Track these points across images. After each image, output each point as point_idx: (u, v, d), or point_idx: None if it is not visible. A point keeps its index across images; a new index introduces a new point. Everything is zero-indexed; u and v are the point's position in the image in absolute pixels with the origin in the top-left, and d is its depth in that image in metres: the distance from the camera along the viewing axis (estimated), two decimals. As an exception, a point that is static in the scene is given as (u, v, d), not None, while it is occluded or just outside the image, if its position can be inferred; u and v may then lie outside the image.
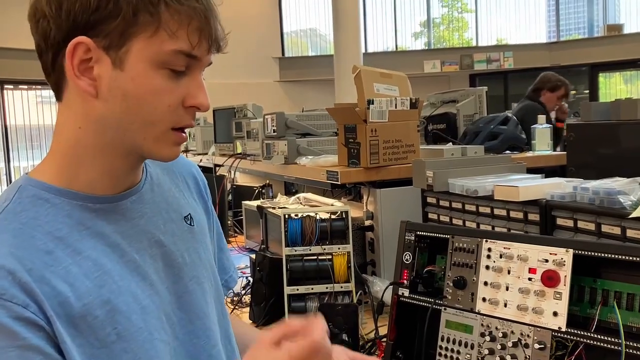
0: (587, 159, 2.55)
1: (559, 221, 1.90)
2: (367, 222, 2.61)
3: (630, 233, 1.68)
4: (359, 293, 2.52)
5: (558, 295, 1.46)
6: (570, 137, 2.55)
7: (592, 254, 1.43)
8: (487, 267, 1.61)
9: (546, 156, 3.11)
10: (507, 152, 3.10)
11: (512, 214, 2.05)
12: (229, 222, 3.95)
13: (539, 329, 1.48)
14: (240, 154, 3.73)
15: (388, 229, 2.65)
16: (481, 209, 2.17)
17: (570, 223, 1.87)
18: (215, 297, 1.17)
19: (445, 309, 1.69)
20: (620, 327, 1.34)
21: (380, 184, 2.58)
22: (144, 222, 1.05)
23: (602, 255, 1.41)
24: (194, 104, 0.99)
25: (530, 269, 1.53)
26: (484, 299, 1.60)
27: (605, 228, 1.76)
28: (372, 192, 2.59)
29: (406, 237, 1.83)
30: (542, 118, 3.17)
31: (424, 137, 3.54)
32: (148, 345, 0.98)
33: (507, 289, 1.56)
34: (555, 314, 1.46)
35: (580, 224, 1.81)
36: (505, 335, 1.54)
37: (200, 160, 4.56)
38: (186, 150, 4.98)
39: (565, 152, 2.86)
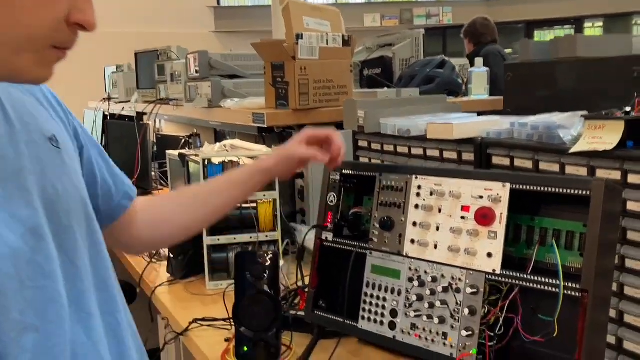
0: (525, 101, 2.44)
1: (495, 160, 1.77)
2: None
3: (569, 169, 1.56)
4: (285, 242, 2.35)
5: (493, 235, 1.33)
6: (508, 77, 2.42)
7: (531, 188, 1.30)
8: (417, 206, 1.46)
9: (482, 100, 3.00)
10: (444, 96, 2.97)
11: (446, 154, 1.91)
12: (153, 173, 3.69)
13: (471, 272, 1.35)
14: (162, 99, 3.46)
15: (319, 176, 2.48)
16: (414, 150, 2.02)
17: (506, 161, 1.74)
18: (88, 234, 0.97)
19: (371, 253, 1.54)
20: (559, 267, 1.21)
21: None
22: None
23: (541, 189, 1.28)
24: (79, 20, 0.83)
25: (463, 206, 1.39)
26: (412, 241, 1.46)
27: (543, 165, 1.63)
28: None
29: (331, 177, 1.66)
30: (479, 61, 3.04)
31: (359, 82, 3.37)
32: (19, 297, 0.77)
33: (437, 229, 1.42)
34: (489, 255, 1.32)
35: (517, 162, 1.68)
36: (435, 279, 1.41)
37: (123, 109, 4.25)
38: (108, 99, 4.64)
39: (502, 97, 2.76)
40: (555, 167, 1.60)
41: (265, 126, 2.39)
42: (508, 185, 1.32)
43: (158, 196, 2.54)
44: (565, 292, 1.21)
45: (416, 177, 1.47)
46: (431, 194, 1.44)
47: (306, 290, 1.69)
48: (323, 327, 1.63)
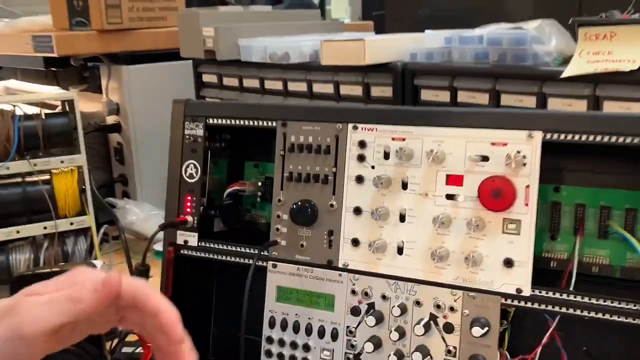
0: (405, 25, 1.86)
1: (426, 94, 1.18)
2: (111, 119, 1.78)
3: (554, 104, 1.01)
4: (102, 230, 1.55)
5: (513, 227, 0.73)
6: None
7: (582, 137, 0.71)
8: (360, 179, 0.81)
9: (346, 25, 2.38)
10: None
11: (346, 89, 1.27)
12: None
13: (473, 296, 0.74)
14: None
15: (145, 127, 1.72)
16: (294, 86, 1.35)
17: (443, 96, 1.15)
18: None
19: (274, 266, 0.86)
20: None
21: (127, 59, 1.73)
22: None
23: (603, 138, 0.69)
24: None
25: (450, 176, 0.76)
26: (355, 242, 0.81)
27: (508, 100, 1.07)
28: (114, 71, 1.74)
29: (188, 133, 0.93)
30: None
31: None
32: None
33: (402, 219, 0.79)
34: (508, 263, 0.72)
35: (463, 96, 1.11)
36: (403, 309, 0.78)
37: None
38: None
39: (371, 22, 2.20)
40: (531, 102, 1.04)
41: (56, 56, 1.53)
42: (539, 134, 0.72)
43: None
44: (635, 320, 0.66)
45: (355, 127, 0.81)
46: (386, 155, 0.79)
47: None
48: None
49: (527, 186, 0.72)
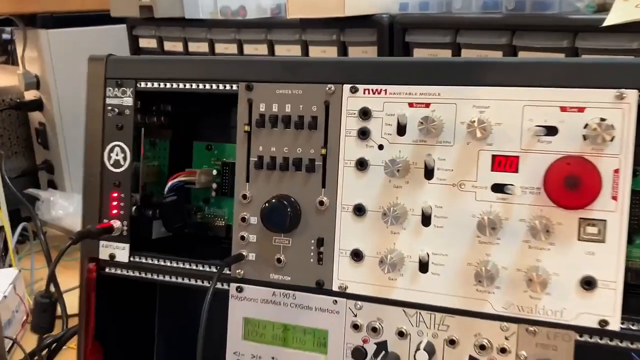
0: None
1: (418, 52, 0.94)
2: (30, 95, 1.48)
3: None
4: (18, 229, 1.30)
5: (596, 232, 0.49)
6: None
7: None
8: (364, 166, 0.56)
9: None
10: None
11: (317, 51, 1.02)
12: None
13: (533, 331, 0.51)
14: None
15: (71, 104, 1.45)
16: (250, 49, 1.10)
17: (443, 53, 0.93)
18: None
19: (239, 290, 0.61)
20: None
21: (47, 21, 1.40)
22: None
23: None
24: None
25: (498, 158, 0.52)
26: (356, 256, 0.56)
27: (526, 54, 0.85)
28: (31, 36, 1.42)
29: (111, 103, 0.65)
30: None
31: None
32: None
33: (427, 222, 0.54)
34: (588, 284, 0.49)
35: (468, 52, 0.89)
36: (430, 353, 0.54)
37: None
38: None
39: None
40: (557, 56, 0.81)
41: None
42: (634, 94, 0.48)
43: None
44: None
45: (354, 89, 0.56)
46: (401, 130, 0.55)
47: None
48: None
49: (616, 171, 0.49)
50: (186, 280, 0.64)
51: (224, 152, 0.72)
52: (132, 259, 0.66)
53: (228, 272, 0.62)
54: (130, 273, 0.66)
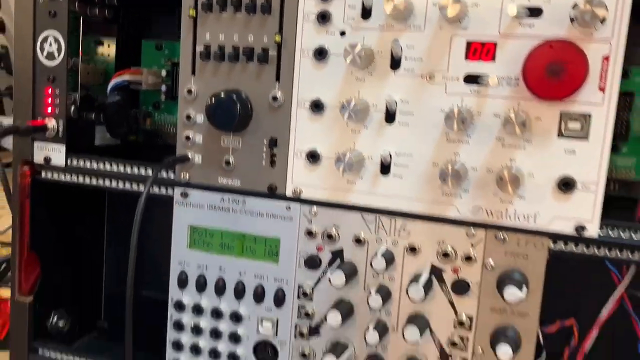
0: None
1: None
2: None
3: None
4: None
5: (577, 126, 0.44)
6: None
7: None
8: (323, 55, 0.49)
9: None
10: None
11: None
12: None
13: (503, 237, 0.46)
14: None
15: None
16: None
17: None
18: None
19: (183, 196, 0.55)
20: None
21: None
22: None
23: None
24: None
25: (473, 45, 0.46)
26: (312, 157, 0.50)
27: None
28: None
29: (41, -15, 0.58)
30: None
31: None
32: None
33: (390, 118, 0.48)
34: (566, 185, 0.44)
35: None
36: (388, 260, 0.49)
37: None
38: None
39: None
40: None
41: None
42: (629, -32, 0.42)
43: None
44: None
45: (314, -35, 0.49)
46: (365, 12, 0.48)
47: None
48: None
49: (606, 58, 0.43)
50: (127, 186, 0.58)
51: (175, 51, 0.64)
52: (69, 162, 0.60)
53: (172, 177, 0.56)
54: (68, 178, 0.60)
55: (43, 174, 0.61)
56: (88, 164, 0.59)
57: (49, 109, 0.59)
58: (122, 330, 0.51)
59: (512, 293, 0.45)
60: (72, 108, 0.60)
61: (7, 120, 1.32)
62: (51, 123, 0.59)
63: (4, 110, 1.79)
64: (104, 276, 0.72)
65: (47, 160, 0.60)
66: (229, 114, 0.51)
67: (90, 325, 0.72)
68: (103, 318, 0.73)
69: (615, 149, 0.51)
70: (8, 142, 1.28)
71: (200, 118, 0.54)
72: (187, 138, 0.55)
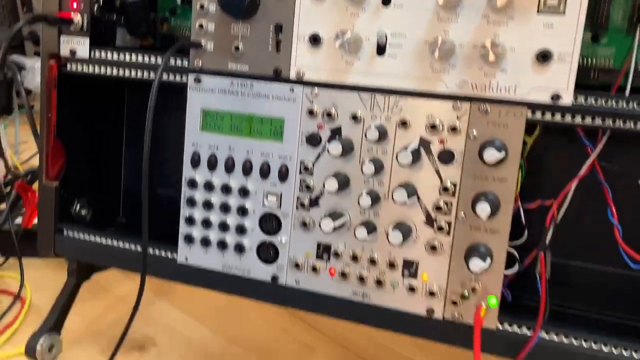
0: None
1: None
2: None
3: None
4: None
5: (555, 2, 0.48)
6: None
7: None
8: (325, -58, 0.54)
9: None
10: None
11: None
12: None
13: (485, 109, 0.51)
14: None
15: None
16: None
17: None
18: None
19: (196, 81, 0.60)
20: None
21: None
22: None
23: None
24: None
25: None
26: (314, 40, 0.55)
27: None
28: None
29: None
30: None
31: None
32: None
33: (386, 0, 0.53)
34: (544, 57, 0.48)
35: None
36: (382, 134, 0.54)
37: None
38: None
39: None
40: None
41: None
42: None
43: None
44: None
45: None
46: None
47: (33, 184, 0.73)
48: (88, 264, 0.71)
49: (582, -64, 0.47)
50: (146, 75, 0.63)
51: (192, -43, 0.69)
52: (93, 55, 0.65)
53: (186, 64, 0.61)
54: (91, 69, 0.65)
55: (68, 67, 0.66)
56: (110, 56, 0.64)
57: (74, 4, 0.64)
58: (139, 226, 0.57)
59: (491, 154, 0.50)
60: (96, 6, 0.65)
61: (29, 62, 1.38)
62: (76, 17, 0.64)
63: (25, 52, 1.84)
64: (123, 174, 0.77)
65: (73, 52, 0.65)
66: (240, 1, 0.56)
67: (110, 220, 0.77)
68: (121, 215, 0.79)
69: (595, 39, 0.55)
70: (33, 83, 1.33)
71: (212, 7, 0.59)
72: (201, 26, 0.60)
